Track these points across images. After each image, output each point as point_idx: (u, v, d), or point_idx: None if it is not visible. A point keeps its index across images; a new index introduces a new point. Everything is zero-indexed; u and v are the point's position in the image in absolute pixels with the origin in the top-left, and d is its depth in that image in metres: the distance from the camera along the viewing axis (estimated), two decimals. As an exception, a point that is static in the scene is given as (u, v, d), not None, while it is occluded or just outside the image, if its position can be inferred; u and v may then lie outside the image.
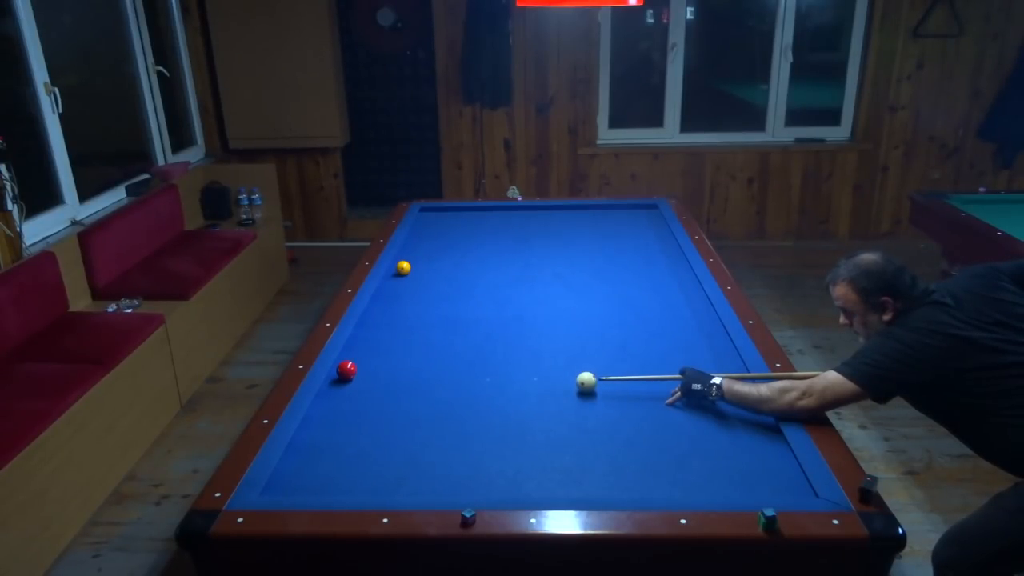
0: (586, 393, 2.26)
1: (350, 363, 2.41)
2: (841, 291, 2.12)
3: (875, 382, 1.95)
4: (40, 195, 3.73)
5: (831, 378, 2.00)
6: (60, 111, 3.82)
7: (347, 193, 5.91)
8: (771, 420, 2.07)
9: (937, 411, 2.04)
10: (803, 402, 2.01)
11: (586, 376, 2.27)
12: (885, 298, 2.04)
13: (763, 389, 2.07)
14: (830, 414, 2.08)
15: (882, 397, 1.99)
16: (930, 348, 1.91)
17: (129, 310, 3.71)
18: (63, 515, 2.80)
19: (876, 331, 2.06)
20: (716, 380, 2.15)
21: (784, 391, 2.03)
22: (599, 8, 5.35)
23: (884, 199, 5.71)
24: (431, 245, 3.66)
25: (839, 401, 2.00)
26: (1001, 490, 1.98)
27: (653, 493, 1.81)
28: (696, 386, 2.16)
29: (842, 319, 2.18)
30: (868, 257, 2.11)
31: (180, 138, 5.28)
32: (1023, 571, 1.98)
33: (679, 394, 2.20)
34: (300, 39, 5.27)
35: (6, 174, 3.31)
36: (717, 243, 3.70)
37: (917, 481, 3.06)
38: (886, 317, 2.05)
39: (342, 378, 2.38)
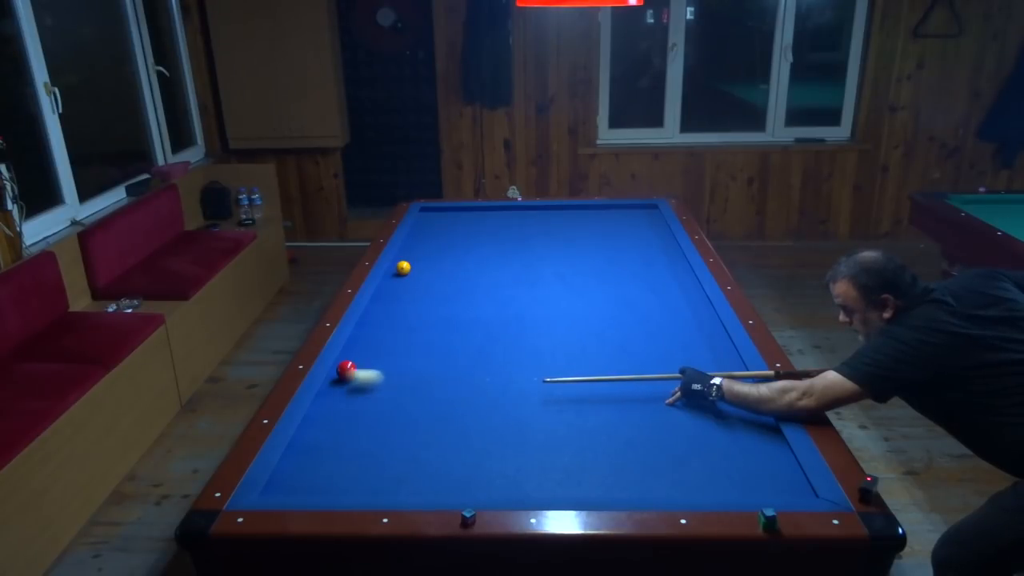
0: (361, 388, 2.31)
1: (349, 363, 2.41)
2: (841, 288, 2.12)
3: (875, 382, 1.95)
4: (40, 195, 3.73)
5: (831, 378, 2.00)
6: (60, 111, 3.82)
7: (347, 193, 5.91)
8: (771, 420, 2.07)
9: (936, 411, 2.04)
10: (803, 402, 2.01)
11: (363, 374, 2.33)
12: (886, 295, 2.04)
13: (763, 389, 2.07)
14: (830, 414, 2.08)
15: (882, 397, 1.99)
16: (930, 346, 1.91)
17: (129, 310, 3.71)
18: (63, 515, 2.80)
19: (876, 329, 2.06)
20: (716, 380, 2.15)
21: (784, 391, 2.03)
22: (599, 8, 5.35)
23: (884, 199, 5.71)
24: (431, 245, 3.66)
25: (839, 401, 2.00)
26: (1000, 490, 1.98)
27: (653, 493, 1.81)
28: (696, 386, 2.16)
29: (842, 317, 2.17)
30: (868, 255, 2.11)
31: (180, 138, 5.28)
32: (1022, 571, 1.98)
33: (679, 394, 2.20)
34: (300, 39, 5.27)
35: (6, 174, 3.31)
36: (717, 243, 3.70)
37: (917, 481, 3.06)
38: (886, 315, 2.05)
39: (342, 378, 2.38)
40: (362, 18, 5.66)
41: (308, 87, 5.38)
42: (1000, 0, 5.15)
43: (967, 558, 1.97)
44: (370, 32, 5.69)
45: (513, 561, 1.72)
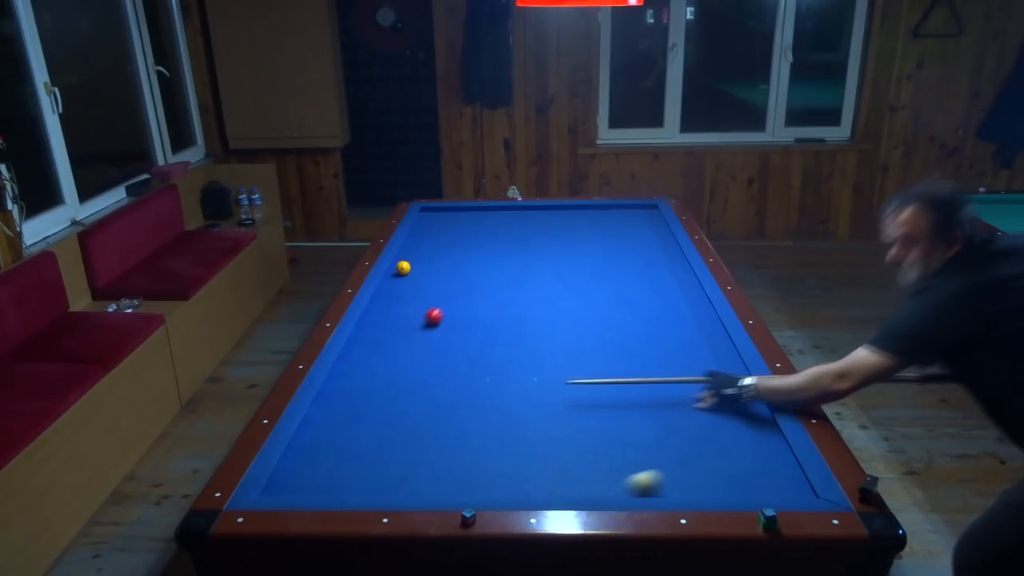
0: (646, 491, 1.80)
1: (437, 310, 2.69)
2: (911, 215, 1.93)
3: (911, 353, 1.87)
4: (40, 195, 3.73)
5: (863, 356, 1.92)
6: (60, 111, 3.82)
7: (347, 193, 5.91)
8: (770, 420, 2.07)
9: (974, 376, 1.93)
10: (839, 385, 1.94)
11: (644, 478, 1.80)
12: (959, 230, 1.90)
13: (796, 380, 2.03)
14: (830, 414, 2.08)
15: (924, 362, 1.91)
16: (973, 302, 1.81)
17: (129, 310, 3.71)
18: (63, 515, 2.80)
19: (932, 269, 1.92)
20: (748, 381, 2.11)
21: (818, 378, 1.98)
22: (599, 8, 5.35)
23: (884, 199, 5.67)
24: (431, 245, 3.66)
25: (875, 377, 1.91)
26: (1008, 487, 1.97)
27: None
28: (729, 391, 2.11)
29: (894, 252, 1.98)
30: (942, 184, 1.96)
31: (180, 138, 5.28)
32: None
33: (710, 399, 2.15)
34: (300, 39, 5.27)
35: (6, 174, 3.31)
36: (717, 243, 3.70)
37: (917, 481, 3.06)
38: (950, 253, 1.90)
39: (430, 324, 2.68)
40: (362, 18, 5.65)
41: (308, 87, 5.38)
42: (1000, 0, 5.15)
43: (982, 557, 1.94)
44: (370, 32, 5.69)
45: (513, 561, 1.72)
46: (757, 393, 2.09)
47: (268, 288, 4.96)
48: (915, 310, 1.89)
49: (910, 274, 1.97)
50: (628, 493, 1.78)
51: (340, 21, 5.53)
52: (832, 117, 5.69)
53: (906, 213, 1.95)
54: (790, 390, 2.04)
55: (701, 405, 2.17)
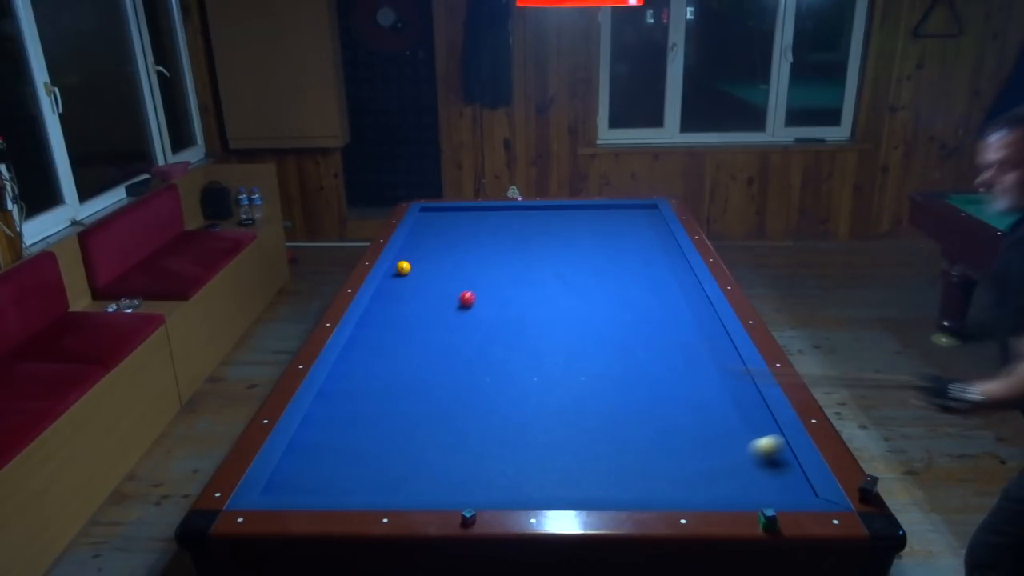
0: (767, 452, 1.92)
1: (469, 293, 2.83)
2: (1017, 138, 1.84)
3: None
4: (40, 195, 3.73)
5: None
6: (60, 111, 3.82)
7: (347, 193, 5.91)
8: (771, 420, 2.06)
9: None
10: None
11: (765, 443, 1.93)
12: None
13: (1007, 394, 1.76)
14: (830, 414, 2.07)
15: None
16: None
17: (129, 310, 3.71)
18: (63, 515, 2.80)
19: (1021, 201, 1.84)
20: (964, 395, 1.79)
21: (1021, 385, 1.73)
22: (599, 8, 5.35)
23: (884, 199, 5.71)
24: (431, 245, 3.66)
25: None
26: (1007, 485, 1.97)
27: (653, 493, 1.81)
28: (939, 400, 1.82)
29: (986, 175, 1.89)
30: None
31: (180, 138, 5.28)
32: None
33: (924, 401, 1.88)
34: (300, 39, 5.27)
35: (6, 174, 3.31)
36: (717, 243, 3.70)
37: (917, 481, 3.06)
38: None
39: (463, 306, 2.82)
40: (362, 18, 5.66)
41: (308, 87, 5.38)
42: (1000, 0, 5.15)
43: (991, 556, 1.94)
44: (370, 32, 5.69)
45: (513, 561, 1.72)
46: (971, 409, 1.79)
47: (268, 288, 4.96)
48: None
49: (1002, 201, 1.89)
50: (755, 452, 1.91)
51: (340, 21, 5.53)
52: (832, 117, 5.69)
53: (1012, 135, 1.85)
54: (1005, 405, 1.80)
55: (915, 402, 1.89)
